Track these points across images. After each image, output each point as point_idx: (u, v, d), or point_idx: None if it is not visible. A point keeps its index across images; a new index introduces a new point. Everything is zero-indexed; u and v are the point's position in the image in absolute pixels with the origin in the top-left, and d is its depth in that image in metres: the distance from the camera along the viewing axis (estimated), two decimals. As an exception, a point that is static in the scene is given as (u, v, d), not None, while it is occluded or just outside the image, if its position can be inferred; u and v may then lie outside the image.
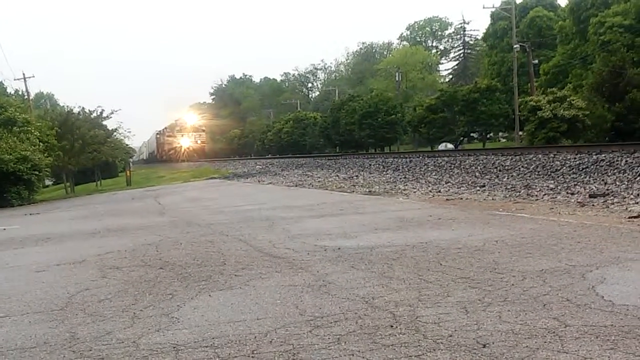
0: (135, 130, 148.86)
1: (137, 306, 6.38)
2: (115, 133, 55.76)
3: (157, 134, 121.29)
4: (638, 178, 14.92)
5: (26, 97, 74.80)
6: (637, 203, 12.00)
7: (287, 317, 5.57)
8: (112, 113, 51.97)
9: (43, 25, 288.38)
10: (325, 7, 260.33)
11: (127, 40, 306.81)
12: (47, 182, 53.66)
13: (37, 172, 33.61)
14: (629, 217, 10.31)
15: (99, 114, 51.45)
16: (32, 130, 36.03)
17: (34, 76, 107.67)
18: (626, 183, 14.73)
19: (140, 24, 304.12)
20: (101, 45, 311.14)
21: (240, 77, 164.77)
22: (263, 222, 13.01)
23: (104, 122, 53.43)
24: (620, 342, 4.38)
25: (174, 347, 4.97)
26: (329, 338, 4.91)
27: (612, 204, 12.32)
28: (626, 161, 16.58)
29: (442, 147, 71.88)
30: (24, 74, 74.89)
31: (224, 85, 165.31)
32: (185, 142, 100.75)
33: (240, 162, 57.75)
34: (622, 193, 13.40)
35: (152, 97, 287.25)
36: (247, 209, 16.44)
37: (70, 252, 10.88)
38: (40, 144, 35.78)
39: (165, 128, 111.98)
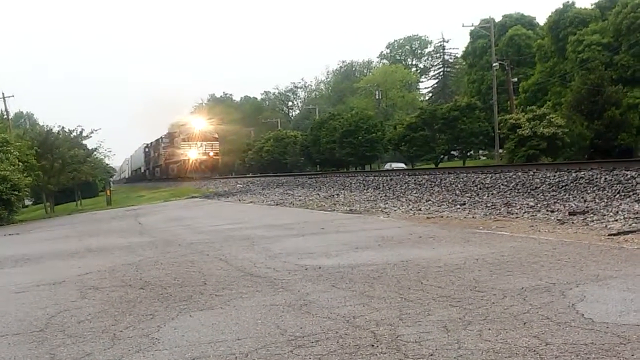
0: (116, 150, 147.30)
1: (117, 327, 6.35)
2: (95, 152, 55.79)
3: (147, 147, 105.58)
4: (617, 196, 15.00)
5: (5, 116, 74.46)
6: (617, 221, 12.05)
7: (268, 337, 5.56)
8: (92, 132, 52.19)
9: (22, 43, 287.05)
10: (305, 26, 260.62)
11: (109, 59, 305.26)
12: (27, 202, 53.38)
13: (16, 192, 33.45)
14: (609, 235, 10.35)
15: (78, 133, 51.59)
16: (12, 150, 35.81)
17: (13, 96, 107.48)
18: (605, 201, 14.80)
19: (122, 44, 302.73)
20: (82, 64, 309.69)
21: (221, 96, 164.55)
22: (244, 242, 12.97)
23: (84, 142, 53.40)
24: (600, 360, 4.40)
25: (154, 368, 4.95)
26: (310, 358, 4.90)
27: (592, 221, 12.37)
28: (605, 179, 16.66)
29: (387, 166, 72.64)
30: (2, 94, 75.13)
31: (204, 104, 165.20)
32: (193, 154, 78.02)
33: (221, 180, 56.71)
34: (602, 211, 13.45)
35: (133, 117, 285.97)
36: (227, 228, 16.40)
37: (49, 272, 10.82)
38: (20, 163, 35.58)
39: (162, 137, 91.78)
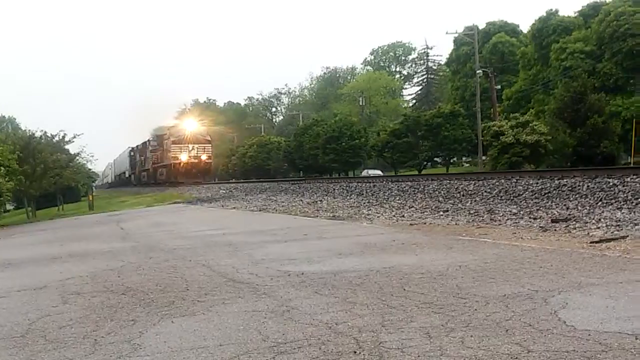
0: (98, 154, 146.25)
1: (98, 333, 6.32)
2: (77, 157, 55.62)
3: (132, 150, 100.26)
4: (599, 203, 15.05)
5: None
6: (599, 228, 12.10)
7: (250, 343, 5.54)
8: (74, 137, 52.10)
9: (3, 48, 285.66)
10: (289, 32, 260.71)
11: (92, 63, 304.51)
12: (8, 206, 53.20)
13: (-2, 197, 33.32)
14: (591, 242, 10.39)
15: (61, 138, 51.41)
16: (-7, 155, 35.66)
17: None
18: (588, 208, 14.85)
19: (105, 45, 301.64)
20: (66, 71, 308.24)
21: (205, 101, 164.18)
22: (226, 247, 12.95)
23: (66, 147, 53.24)
24: (582, 367, 4.41)
25: (136, 374, 4.93)
26: (292, 364, 4.89)
27: (574, 228, 12.41)
28: (588, 186, 16.71)
29: (364, 173, 72.98)
30: None
31: (187, 109, 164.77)
32: (184, 157, 72.26)
33: (204, 186, 56.41)
34: (584, 218, 13.50)
35: (116, 121, 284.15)
36: (210, 234, 16.37)
37: (31, 277, 10.77)
38: (1, 168, 35.43)
39: (150, 140, 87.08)
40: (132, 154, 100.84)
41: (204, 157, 73.81)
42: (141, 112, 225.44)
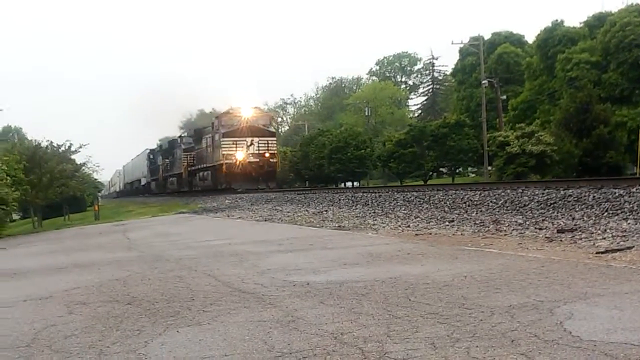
0: (104, 164, 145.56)
1: (103, 342, 6.31)
2: (83, 167, 55.76)
3: (152, 152, 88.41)
4: (605, 214, 15.02)
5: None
6: (605, 239, 12.07)
7: (256, 353, 5.53)
8: (80, 147, 52.32)
9: (10, 57, 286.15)
10: (295, 42, 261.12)
11: (96, 75, 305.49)
12: (15, 216, 53.29)
13: (4, 207, 33.43)
14: (596, 253, 10.36)
15: (67, 148, 51.69)
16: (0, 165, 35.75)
17: (2, 109, 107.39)
18: (593, 218, 14.82)
19: (112, 58, 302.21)
20: (70, 81, 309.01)
21: (210, 112, 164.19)
22: (232, 257, 12.94)
23: (72, 156, 53.38)
24: (587, 378, 4.40)
25: (141, 384, 4.93)
26: (297, 374, 4.89)
27: (580, 239, 12.38)
28: (593, 197, 16.69)
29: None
30: None
31: (193, 120, 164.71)
32: (241, 155, 54.47)
33: (210, 196, 51.93)
34: (590, 228, 13.47)
35: (121, 132, 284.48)
36: (216, 244, 16.36)
37: (37, 287, 10.76)
38: (8, 177, 35.50)
39: (182, 137, 72.92)
40: (151, 157, 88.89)
41: (267, 154, 56.02)
42: (146, 125, 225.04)
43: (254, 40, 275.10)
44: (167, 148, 79.15)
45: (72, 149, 52.28)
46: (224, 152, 54.66)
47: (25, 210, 57.84)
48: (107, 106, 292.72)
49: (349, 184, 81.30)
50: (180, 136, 74.89)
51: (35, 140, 53.52)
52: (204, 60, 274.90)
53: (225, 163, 54.22)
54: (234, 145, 54.51)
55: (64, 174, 50.31)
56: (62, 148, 51.78)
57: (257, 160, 55.07)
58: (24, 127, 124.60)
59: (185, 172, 67.71)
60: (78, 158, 54.90)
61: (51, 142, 51.50)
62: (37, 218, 50.76)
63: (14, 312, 8.50)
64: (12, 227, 45.95)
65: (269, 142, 56.72)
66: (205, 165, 60.81)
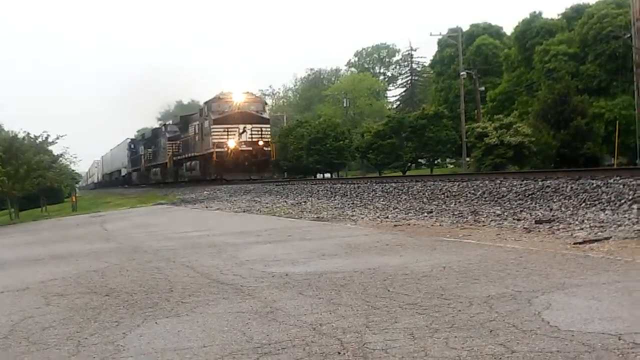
0: (83, 156, 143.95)
1: (81, 334, 6.29)
2: (61, 158, 55.43)
3: (133, 142, 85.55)
4: (583, 204, 15.08)
5: (-31, 122, 73.97)
6: (582, 229, 12.12)
7: (234, 344, 5.53)
8: (57, 138, 51.81)
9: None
10: (273, 34, 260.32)
11: (78, 66, 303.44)
12: (-9, 207, 53.00)
13: (-21, 198, 33.26)
14: (574, 243, 10.41)
15: (44, 139, 51.18)
16: (-25, 156, 35.54)
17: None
18: (571, 209, 14.87)
19: (95, 50, 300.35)
20: (49, 71, 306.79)
21: (189, 103, 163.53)
22: (210, 249, 12.91)
23: (50, 148, 53.05)
24: (565, 367, 4.42)
25: (119, 376, 4.91)
26: (276, 365, 4.89)
27: (558, 229, 12.42)
28: (571, 187, 16.74)
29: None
30: None
31: (171, 111, 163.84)
32: (232, 143, 50.40)
33: (188, 187, 52.80)
34: (568, 219, 13.52)
35: (102, 123, 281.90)
36: (194, 235, 16.33)
37: (14, 279, 10.72)
38: (-16, 169, 35.29)
39: (166, 125, 69.32)
40: (132, 147, 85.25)
41: (261, 142, 51.63)
42: (124, 115, 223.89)
43: (232, 32, 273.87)
44: (150, 137, 75.28)
45: (50, 140, 52.02)
46: (214, 140, 50.49)
47: (1, 202, 57.41)
48: (88, 98, 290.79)
49: (327, 175, 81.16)
50: (164, 124, 70.73)
51: (12, 131, 53.14)
52: (182, 52, 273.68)
53: (216, 152, 50.02)
54: (225, 133, 50.30)
55: (41, 165, 50.00)
56: (40, 139, 51.47)
57: (250, 148, 50.87)
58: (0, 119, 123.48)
59: (170, 161, 63.81)
60: (55, 149, 54.66)
61: (28, 134, 51.18)
62: (13, 209, 50.40)
63: (-9, 303, 8.46)
64: (-12, 218, 45.72)
65: (263, 129, 52.18)
66: (193, 154, 56.77)
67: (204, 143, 52.78)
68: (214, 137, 50.48)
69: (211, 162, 51.46)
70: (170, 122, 69.09)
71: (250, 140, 50.81)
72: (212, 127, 50.91)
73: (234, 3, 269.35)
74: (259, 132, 51.44)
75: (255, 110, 52.82)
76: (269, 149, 52.18)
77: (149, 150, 74.18)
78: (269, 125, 54.29)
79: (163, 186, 65.13)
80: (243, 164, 50.09)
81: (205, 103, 54.43)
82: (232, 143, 50.04)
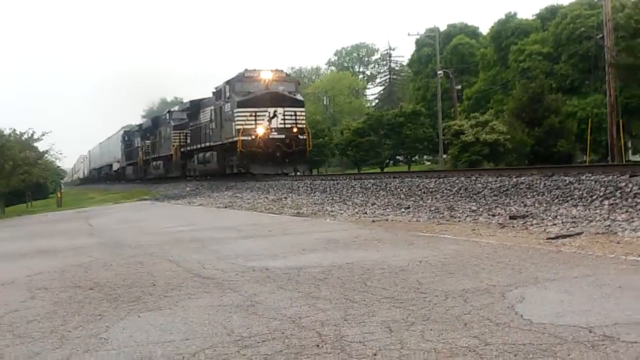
0: (68, 153, 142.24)
1: (66, 327, 6.27)
2: (46, 155, 55.32)
3: (128, 134, 77.71)
4: (556, 200, 15.14)
5: (-44, 118, 73.95)
6: (555, 225, 12.17)
7: (215, 337, 5.53)
8: (43, 135, 51.75)
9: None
10: (253, 31, 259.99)
11: (66, 62, 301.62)
12: (-24, 203, 52.75)
13: (-35, 194, 33.20)
14: (547, 238, 10.45)
15: (30, 135, 51.11)
16: (-39, 152, 35.42)
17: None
18: (544, 205, 14.93)
19: (82, 46, 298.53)
20: (33, 68, 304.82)
21: (172, 100, 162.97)
22: (193, 243, 12.90)
23: (35, 144, 52.96)
24: (538, 359, 4.44)
25: (102, 368, 4.91)
26: (256, 358, 4.89)
27: (531, 225, 12.47)
28: (545, 184, 16.80)
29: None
30: None
31: (155, 108, 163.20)
32: (261, 129, 39.69)
33: (171, 183, 51.36)
34: (541, 215, 13.57)
35: (88, 120, 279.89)
36: (177, 230, 16.30)
37: (-1, 273, 10.68)
38: (-31, 165, 35.19)
39: (171, 112, 58.29)
40: (126, 138, 77.40)
41: (295, 129, 40.54)
42: (111, 113, 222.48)
43: (211, 30, 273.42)
44: (149, 127, 66.41)
45: (35, 136, 52.00)
46: (239, 126, 39.32)
47: (-13, 198, 57.28)
48: (74, 95, 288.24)
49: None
50: (169, 110, 59.70)
51: (-3, 128, 53.05)
52: (165, 50, 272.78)
53: (242, 140, 38.95)
54: (253, 117, 39.47)
55: (27, 161, 49.91)
56: (25, 136, 51.44)
57: (283, 136, 39.72)
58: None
59: (177, 153, 54.04)
60: (41, 146, 54.56)
61: (14, 130, 51.16)
62: (-1, 205, 50.52)
63: (-24, 297, 8.42)
64: (-26, 214, 45.50)
65: (297, 113, 41.03)
66: (208, 144, 46.26)
67: (224, 130, 42.17)
68: (238, 122, 39.63)
69: (234, 153, 41.16)
70: (176, 108, 58.41)
71: (282, 126, 40.01)
72: (235, 110, 40.06)
73: (215, 4, 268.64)
74: (293, 117, 40.57)
75: (288, 90, 42.03)
76: (305, 136, 40.97)
77: (147, 142, 65.80)
78: (303, 109, 43.22)
79: (152, 182, 59.91)
80: (274, 154, 39.44)
81: (227, 82, 42.63)
82: (260, 130, 39.45)
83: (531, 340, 4.87)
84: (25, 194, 56.39)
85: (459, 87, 72.67)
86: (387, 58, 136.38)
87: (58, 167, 75.31)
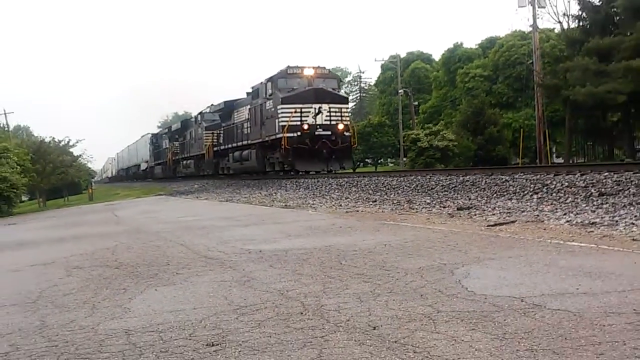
0: (97, 155, 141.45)
1: (95, 299, 6.27)
2: (80, 158, 55.66)
3: (155, 137, 72.15)
4: (494, 195, 15.18)
5: (6, 129, 74.05)
6: (494, 214, 12.21)
7: (218, 307, 5.53)
8: (77, 142, 52.69)
9: (17, 62, 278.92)
10: (237, 52, 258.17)
11: (96, 76, 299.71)
12: (24, 198, 52.58)
13: (15, 190, 33.22)
14: (488, 226, 10.49)
15: (66, 142, 51.73)
16: (11, 156, 35.25)
17: (13, 112, 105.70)
18: (485, 199, 14.97)
19: (111, 59, 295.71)
20: (69, 80, 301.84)
21: (182, 114, 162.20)
22: (200, 230, 12.85)
23: (71, 149, 53.39)
24: (479, 324, 4.46)
25: (125, 332, 4.89)
26: (251, 323, 4.89)
27: (475, 215, 12.51)
28: (486, 181, 16.85)
29: None
30: (4, 110, 75.25)
31: (169, 120, 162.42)
32: (307, 127, 32.23)
33: (182, 182, 51.41)
34: (483, 207, 13.61)
35: (116, 125, 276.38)
36: (187, 220, 16.23)
37: (41, 255, 10.61)
38: (18, 167, 35.08)
39: (203, 114, 50.71)
40: (154, 141, 71.87)
41: (341, 126, 33.24)
42: (131, 124, 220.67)
43: (196, 42, 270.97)
44: (178, 129, 60.21)
45: (70, 143, 52.49)
46: (283, 123, 32.55)
47: (32, 193, 57.06)
48: (106, 104, 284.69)
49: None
50: (200, 112, 52.29)
51: (40, 136, 53.63)
52: (177, 68, 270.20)
53: (287, 137, 32.22)
54: (298, 114, 32.51)
55: (64, 163, 50.27)
56: (62, 142, 51.93)
57: (329, 132, 32.81)
58: (31, 126, 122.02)
59: (209, 152, 47.37)
60: (75, 151, 54.96)
61: (53, 138, 52.00)
62: (41, 199, 50.62)
63: (23, 275, 8.42)
64: (22, 207, 45.20)
65: (342, 109, 33.99)
66: (246, 142, 39.07)
67: (266, 127, 35.17)
68: (282, 119, 32.80)
69: (276, 150, 34.59)
70: (207, 109, 50.82)
71: (328, 122, 32.93)
72: (279, 107, 33.13)
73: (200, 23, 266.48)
74: (338, 113, 33.42)
75: (331, 87, 34.62)
76: (350, 133, 34.00)
77: (176, 143, 59.93)
78: (348, 106, 37.05)
79: (166, 180, 57.29)
80: (320, 151, 32.57)
81: (269, 79, 35.36)
82: (306, 126, 32.53)
83: (475, 308, 4.90)
84: (62, 191, 56.30)
85: (416, 103, 73.16)
86: (358, 79, 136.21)
87: (89, 168, 74.86)
